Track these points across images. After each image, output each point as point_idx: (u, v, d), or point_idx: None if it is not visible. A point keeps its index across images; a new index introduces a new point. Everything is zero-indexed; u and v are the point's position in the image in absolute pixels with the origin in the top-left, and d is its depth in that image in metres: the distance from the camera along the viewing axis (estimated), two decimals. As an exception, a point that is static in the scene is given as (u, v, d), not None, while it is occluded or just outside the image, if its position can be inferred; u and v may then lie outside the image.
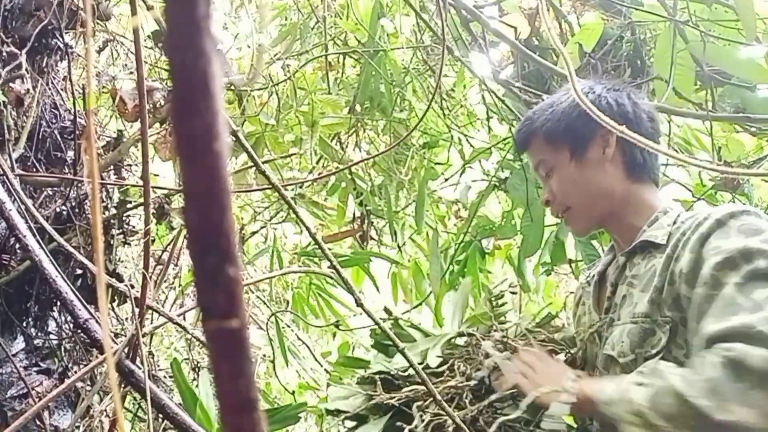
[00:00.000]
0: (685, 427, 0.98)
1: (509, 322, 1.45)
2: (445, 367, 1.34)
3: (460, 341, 1.42)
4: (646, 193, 1.28)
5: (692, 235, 1.13)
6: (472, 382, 1.28)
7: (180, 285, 2.55)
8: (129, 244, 2.09)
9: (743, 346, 0.95)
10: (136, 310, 1.32)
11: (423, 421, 1.24)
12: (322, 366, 2.72)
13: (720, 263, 1.05)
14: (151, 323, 1.91)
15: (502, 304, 1.48)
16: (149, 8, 1.41)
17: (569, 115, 1.27)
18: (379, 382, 1.36)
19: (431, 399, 1.25)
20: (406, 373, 1.34)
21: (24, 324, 1.83)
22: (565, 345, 1.36)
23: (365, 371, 1.43)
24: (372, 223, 2.85)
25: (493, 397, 1.25)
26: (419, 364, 1.31)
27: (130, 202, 2.01)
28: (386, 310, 1.56)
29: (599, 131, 1.25)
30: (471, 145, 2.59)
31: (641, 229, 1.24)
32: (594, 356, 1.31)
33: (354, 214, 2.83)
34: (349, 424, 1.38)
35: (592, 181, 1.26)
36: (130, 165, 2.10)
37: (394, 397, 1.30)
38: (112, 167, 2.01)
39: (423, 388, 1.26)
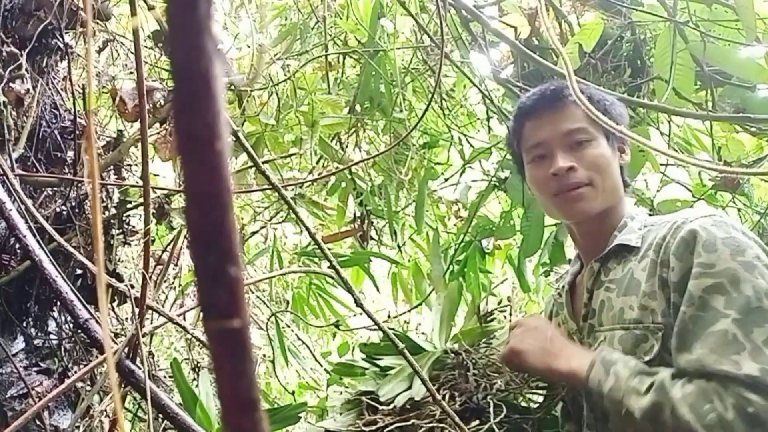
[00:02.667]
0: None
1: (496, 339, 1.45)
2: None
3: (448, 358, 1.41)
4: (627, 204, 1.32)
5: (673, 240, 1.13)
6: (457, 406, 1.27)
7: (180, 285, 2.55)
8: (129, 244, 2.08)
9: (758, 398, 0.98)
10: (136, 310, 1.32)
11: None
12: (322, 366, 2.72)
13: (709, 287, 1.06)
14: (151, 323, 1.91)
15: (492, 320, 1.48)
16: (150, 8, 1.41)
17: (613, 107, 1.31)
18: (365, 405, 1.37)
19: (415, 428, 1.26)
20: (390, 406, 1.33)
21: (24, 324, 1.83)
22: None
23: (351, 395, 1.43)
24: (372, 223, 2.85)
25: (475, 423, 1.25)
26: (407, 389, 1.32)
27: (130, 202, 2.01)
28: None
29: (618, 136, 1.29)
30: (471, 145, 2.59)
31: (612, 235, 1.27)
32: None
33: (354, 214, 2.83)
34: None
35: (616, 171, 1.29)
36: (130, 165, 2.10)
37: (381, 424, 1.30)
38: (112, 167, 2.01)
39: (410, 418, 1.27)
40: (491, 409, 1.25)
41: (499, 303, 1.63)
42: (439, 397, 1.20)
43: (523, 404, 1.35)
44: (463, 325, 1.55)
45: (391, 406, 1.32)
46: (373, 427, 1.30)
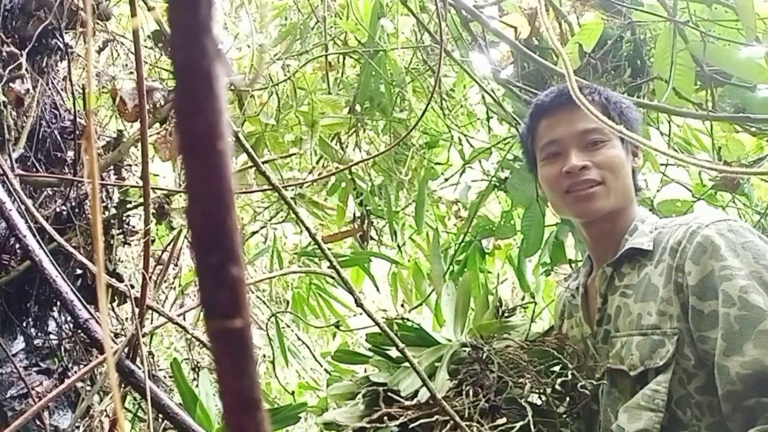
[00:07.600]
0: None
1: (516, 332, 1.43)
2: (452, 384, 1.31)
3: (464, 352, 1.39)
4: (637, 208, 1.32)
5: (689, 245, 1.13)
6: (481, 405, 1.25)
7: (180, 285, 2.55)
8: (129, 244, 2.08)
9: None
10: (136, 310, 1.31)
11: None
12: (322, 366, 2.72)
13: (744, 287, 1.06)
14: (151, 323, 1.90)
15: (512, 316, 1.47)
16: (149, 8, 1.41)
17: (629, 110, 1.33)
18: (381, 396, 1.34)
19: (438, 424, 1.23)
20: (414, 401, 1.30)
21: (24, 324, 1.83)
22: (563, 359, 1.33)
23: (363, 388, 1.40)
24: (372, 223, 2.85)
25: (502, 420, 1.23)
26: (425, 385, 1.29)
27: (130, 202, 2.01)
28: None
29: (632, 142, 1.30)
30: (471, 145, 2.59)
31: (623, 238, 1.26)
32: (591, 369, 1.30)
33: (354, 214, 2.83)
34: None
35: (628, 173, 1.29)
36: (130, 165, 2.10)
37: (398, 417, 1.27)
38: (112, 167, 2.01)
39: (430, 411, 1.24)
40: (528, 408, 1.23)
41: (522, 299, 1.61)
42: (440, 398, 1.20)
43: (537, 402, 1.33)
44: (476, 317, 1.53)
45: (414, 401, 1.29)
46: (397, 422, 1.27)
